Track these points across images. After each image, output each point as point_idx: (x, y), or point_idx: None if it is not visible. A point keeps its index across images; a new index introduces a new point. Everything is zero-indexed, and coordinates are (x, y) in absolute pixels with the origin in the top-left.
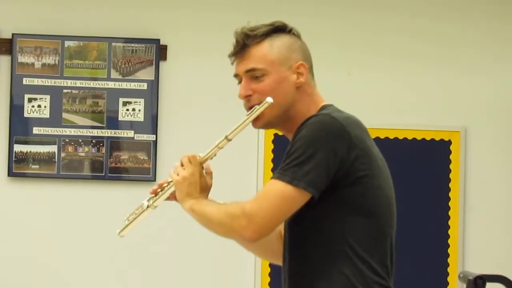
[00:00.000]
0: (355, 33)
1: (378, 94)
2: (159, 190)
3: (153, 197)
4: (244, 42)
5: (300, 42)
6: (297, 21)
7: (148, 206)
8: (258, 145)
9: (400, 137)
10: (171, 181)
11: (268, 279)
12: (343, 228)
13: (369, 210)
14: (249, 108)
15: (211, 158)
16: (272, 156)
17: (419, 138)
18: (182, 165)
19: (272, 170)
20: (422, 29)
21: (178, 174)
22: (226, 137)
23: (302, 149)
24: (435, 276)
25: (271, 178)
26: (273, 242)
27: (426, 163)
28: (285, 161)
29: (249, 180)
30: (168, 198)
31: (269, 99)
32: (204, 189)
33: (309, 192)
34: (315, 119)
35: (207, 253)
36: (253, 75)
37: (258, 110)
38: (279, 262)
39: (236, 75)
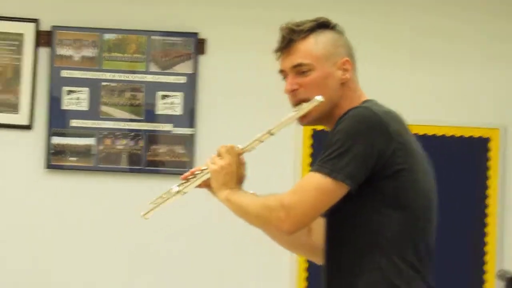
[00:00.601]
0: (395, 29)
1: (417, 91)
2: (191, 176)
3: (183, 183)
4: (290, 38)
5: (344, 38)
6: (336, 17)
7: (177, 192)
8: (296, 140)
9: (439, 134)
10: (205, 169)
11: (306, 274)
12: (379, 222)
13: (406, 204)
14: (295, 102)
15: (250, 150)
16: (310, 151)
17: (457, 135)
18: (219, 155)
19: (311, 165)
20: (463, 26)
21: (214, 164)
22: (269, 131)
23: (340, 142)
24: (472, 274)
25: (310, 170)
26: (301, 235)
27: (464, 161)
28: (324, 153)
29: (287, 175)
30: (199, 186)
31: (319, 98)
32: (240, 180)
33: (347, 185)
34: (354, 112)
35: (242, 247)
36: (299, 70)
37: (306, 107)
38: (307, 255)
39: (281, 71)
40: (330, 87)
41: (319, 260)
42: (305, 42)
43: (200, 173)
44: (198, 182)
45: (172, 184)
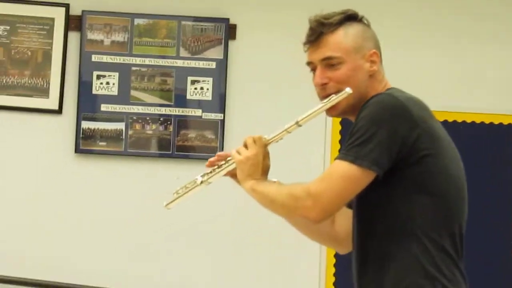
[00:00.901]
0: (419, 14)
1: (445, 77)
2: (215, 167)
3: (208, 173)
4: (320, 30)
5: (371, 30)
6: (362, 1)
7: (202, 182)
8: (326, 128)
9: (468, 121)
10: (230, 159)
11: (333, 270)
12: (409, 208)
13: (434, 190)
14: (324, 96)
15: (277, 141)
16: (339, 137)
17: (487, 122)
18: (245, 145)
19: (340, 151)
20: (489, 11)
21: (240, 154)
22: (297, 122)
23: (364, 129)
24: (499, 261)
25: (335, 158)
26: (325, 224)
27: (492, 148)
28: (348, 141)
29: (316, 162)
30: (224, 175)
31: (349, 90)
32: (265, 170)
33: (373, 171)
34: (376, 99)
35: (270, 241)
36: (329, 63)
37: (336, 99)
38: (330, 244)
39: (309, 63)
40: (359, 79)
41: (342, 250)
42: (334, 35)
43: (225, 163)
44: (223, 172)
45: (201, 170)
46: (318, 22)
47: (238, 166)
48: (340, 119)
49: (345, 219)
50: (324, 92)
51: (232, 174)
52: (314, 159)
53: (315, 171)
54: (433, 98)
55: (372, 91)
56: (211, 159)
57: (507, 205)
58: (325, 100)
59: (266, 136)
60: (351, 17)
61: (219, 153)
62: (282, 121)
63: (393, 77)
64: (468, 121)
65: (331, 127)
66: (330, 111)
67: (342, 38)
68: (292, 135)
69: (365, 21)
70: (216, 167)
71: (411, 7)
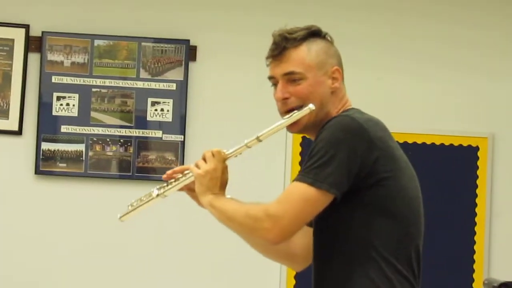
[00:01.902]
0: (385, 38)
1: (406, 99)
2: (172, 180)
3: (164, 186)
4: (283, 45)
5: (334, 47)
6: (327, 24)
7: (158, 195)
8: (286, 145)
9: (428, 142)
10: (188, 172)
11: (294, 282)
12: (367, 231)
13: (393, 212)
14: (285, 111)
15: (236, 156)
16: (299, 159)
17: (447, 143)
18: (204, 159)
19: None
20: (451, 34)
21: (199, 167)
22: (257, 137)
23: (323, 151)
24: (460, 282)
25: (294, 180)
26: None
27: (453, 169)
28: (307, 163)
29: (277, 183)
30: (181, 189)
31: (312, 106)
32: (223, 185)
33: (331, 193)
34: (335, 121)
35: (229, 256)
36: (291, 78)
37: (298, 115)
38: (286, 263)
39: (271, 77)
40: (320, 95)
41: (297, 267)
42: (297, 50)
43: (182, 177)
44: (180, 185)
45: None
46: (281, 37)
47: (197, 180)
48: (300, 140)
49: (301, 237)
50: (285, 107)
51: (189, 189)
52: (274, 174)
53: (275, 187)
54: (399, 119)
55: (333, 108)
56: (169, 172)
57: (468, 226)
58: (286, 116)
59: (225, 150)
60: (315, 33)
61: (176, 168)
62: (242, 142)
63: (363, 99)
64: (437, 143)
65: (291, 143)
66: (292, 127)
67: (305, 53)
68: (253, 151)
69: (329, 38)
70: (173, 180)
71: (381, 32)
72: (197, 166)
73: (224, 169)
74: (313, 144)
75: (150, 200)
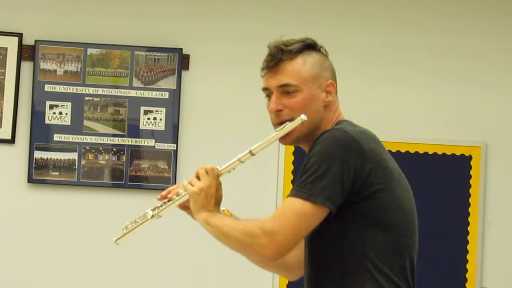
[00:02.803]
0: (376, 47)
1: (399, 108)
2: (166, 200)
3: (159, 206)
4: (279, 57)
5: (329, 60)
6: (319, 33)
7: (152, 216)
8: (278, 157)
9: (421, 152)
10: (182, 192)
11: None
12: (362, 243)
13: (387, 224)
14: (278, 123)
15: (230, 171)
16: (292, 168)
17: (439, 152)
18: (198, 177)
19: (292, 182)
20: (443, 43)
21: (193, 185)
22: (250, 151)
23: (316, 165)
24: None
25: (288, 195)
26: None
27: (446, 178)
28: (301, 178)
29: (269, 192)
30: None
31: (304, 116)
32: (218, 201)
33: (327, 207)
34: (327, 135)
35: (222, 260)
36: (285, 90)
37: (290, 126)
38: (279, 272)
39: (265, 89)
40: (314, 108)
41: (292, 277)
42: (293, 63)
43: (177, 196)
44: (175, 205)
45: (154, 200)
46: (277, 49)
47: (191, 198)
48: (293, 149)
49: (295, 248)
50: (278, 119)
51: (184, 206)
52: (267, 190)
53: (267, 202)
54: (392, 129)
55: (325, 121)
56: (163, 193)
57: (461, 235)
58: (278, 129)
59: (218, 166)
60: (310, 46)
61: (169, 188)
62: (235, 151)
63: (355, 108)
64: (430, 152)
65: (284, 157)
66: (284, 139)
67: (301, 66)
68: (245, 166)
69: (324, 51)
70: (167, 200)
71: (373, 41)
72: (190, 184)
73: (218, 186)
74: (306, 159)
75: (145, 221)
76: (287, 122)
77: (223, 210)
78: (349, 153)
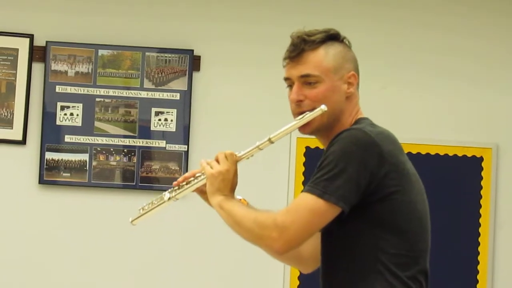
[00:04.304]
0: (391, 48)
1: (411, 109)
2: (183, 183)
3: (176, 189)
4: (301, 47)
5: (352, 52)
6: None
7: (169, 198)
8: (290, 156)
9: (432, 153)
10: (200, 175)
11: (298, 283)
12: (375, 245)
13: (401, 226)
14: (299, 113)
15: (248, 158)
16: (303, 169)
17: (450, 154)
18: (217, 160)
19: (303, 182)
20: (456, 46)
21: (212, 168)
22: (269, 139)
23: (333, 163)
24: None
25: (302, 191)
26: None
27: (457, 179)
28: (317, 174)
29: (280, 191)
30: (192, 191)
31: (324, 107)
32: (233, 188)
33: (339, 207)
34: (347, 134)
35: (233, 256)
36: (307, 80)
37: (310, 115)
38: (293, 264)
39: (287, 79)
40: (335, 100)
41: (305, 269)
42: (315, 53)
43: (194, 179)
44: (192, 189)
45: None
46: (300, 39)
47: (209, 180)
48: (304, 150)
49: (310, 241)
50: (299, 108)
51: (200, 191)
52: (278, 189)
53: (278, 201)
54: (403, 130)
55: (346, 113)
56: (179, 179)
57: (472, 236)
58: (298, 117)
59: (237, 152)
60: (333, 37)
61: (185, 174)
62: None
63: (367, 109)
64: (441, 153)
65: (295, 158)
66: (304, 128)
67: (323, 57)
68: (256, 165)
69: (347, 42)
70: (184, 183)
71: (387, 43)
72: (210, 166)
73: (235, 172)
74: (323, 156)
75: (162, 203)
76: (307, 112)
77: (240, 199)
78: (367, 154)
